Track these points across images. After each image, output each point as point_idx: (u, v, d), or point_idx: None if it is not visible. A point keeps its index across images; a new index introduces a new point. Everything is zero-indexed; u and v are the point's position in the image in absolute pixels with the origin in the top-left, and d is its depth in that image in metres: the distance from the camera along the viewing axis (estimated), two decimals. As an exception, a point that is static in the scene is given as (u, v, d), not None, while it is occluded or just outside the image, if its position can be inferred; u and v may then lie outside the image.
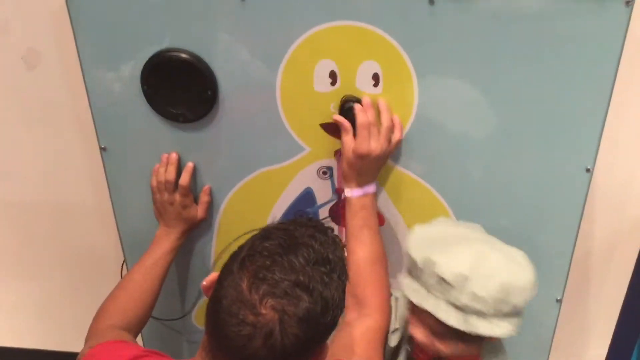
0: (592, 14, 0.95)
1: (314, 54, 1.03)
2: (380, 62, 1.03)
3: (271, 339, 0.72)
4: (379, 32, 1.00)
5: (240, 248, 0.79)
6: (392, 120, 1.06)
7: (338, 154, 1.13)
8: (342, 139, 1.07)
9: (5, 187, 1.43)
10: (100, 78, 1.10)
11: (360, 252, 1.10)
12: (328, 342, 0.82)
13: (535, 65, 1.00)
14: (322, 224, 0.83)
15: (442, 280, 0.93)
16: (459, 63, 1.01)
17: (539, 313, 1.26)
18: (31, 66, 1.31)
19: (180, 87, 1.07)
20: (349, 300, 1.09)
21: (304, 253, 0.76)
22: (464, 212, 1.16)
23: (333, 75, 1.05)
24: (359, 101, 1.05)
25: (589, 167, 1.08)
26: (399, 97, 1.05)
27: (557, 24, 0.97)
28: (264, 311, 0.72)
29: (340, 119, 1.06)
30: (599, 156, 1.28)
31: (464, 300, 0.92)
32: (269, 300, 0.72)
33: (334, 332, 0.83)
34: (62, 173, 1.43)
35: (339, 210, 1.19)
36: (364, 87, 1.05)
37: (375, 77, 1.04)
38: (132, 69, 1.07)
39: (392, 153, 1.10)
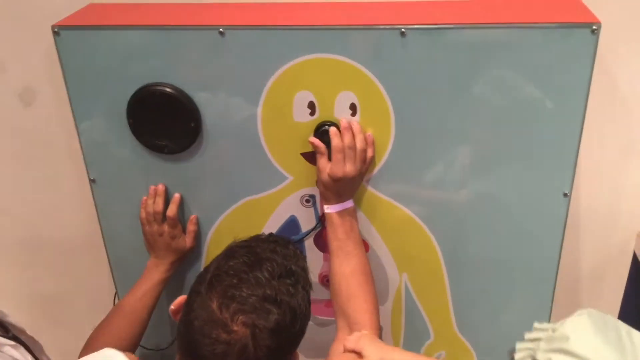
0: (560, 42, 0.98)
1: (292, 86, 1.06)
2: (356, 92, 1.06)
3: (245, 353, 0.75)
4: (354, 64, 1.03)
5: (206, 269, 0.83)
6: (365, 141, 1.08)
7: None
8: (317, 162, 1.09)
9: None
10: (88, 113, 1.14)
11: (347, 265, 1.11)
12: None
13: (507, 93, 1.03)
14: (282, 238, 0.88)
15: None
16: (432, 92, 1.04)
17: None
18: (27, 103, 1.36)
19: (164, 120, 1.10)
20: (340, 322, 1.10)
21: (268, 267, 0.80)
22: (445, 238, 1.17)
23: (312, 106, 1.08)
24: (334, 124, 1.08)
25: (566, 191, 1.10)
26: (376, 126, 1.08)
27: (527, 53, 1.00)
28: (235, 328, 0.75)
29: (315, 141, 1.08)
30: (581, 183, 1.31)
31: None
32: (240, 317, 0.75)
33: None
34: (55, 205, 1.46)
35: (323, 238, 1.21)
36: (342, 116, 1.08)
37: (353, 107, 1.07)
38: (118, 103, 1.11)
39: (367, 170, 1.12)
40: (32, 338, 1.08)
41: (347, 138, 1.06)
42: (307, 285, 0.85)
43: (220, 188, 1.19)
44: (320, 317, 1.30)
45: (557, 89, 1.02)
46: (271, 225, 1.21)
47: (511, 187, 1.11)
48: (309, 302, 0.85)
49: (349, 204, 1.12)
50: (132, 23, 1.07)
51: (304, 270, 0.86)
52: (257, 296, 0.77)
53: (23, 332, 1.06)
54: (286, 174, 1.15)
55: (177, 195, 1.19)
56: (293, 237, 1.22)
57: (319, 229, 1.21)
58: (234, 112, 1.10)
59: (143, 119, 1.11)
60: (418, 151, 1.10)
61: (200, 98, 1.09)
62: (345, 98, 1.07)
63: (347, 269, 1.11)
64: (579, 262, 1.40)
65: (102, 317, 1.20)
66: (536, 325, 0.78)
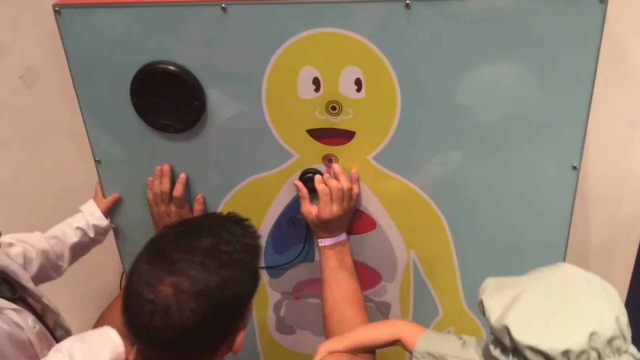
0: (567, 12, 0.96)
1: (296, 62, 1.05)
2: (361, 67, 1.04)
3: (168, 314, 0.75)
4: (359, 38, 1.02)
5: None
6: (349, 181, 1.13)
7: (326, 159, 1.14)
8: (301, 206, 1.16)
9: (3, 202, 1.47)
10: (92, 93, 1.13)
11: (338, 292, 1.14)
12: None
13: (514, 65, 1.01)
14: (237, 216, 0.89)
15: None
16: (438, 65, 1.03)
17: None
18: (29, 85, 1.35)
19: (168, 99, 1.09)
20: None
21: (208, 237, 0.81)
22: (453, 214, 1.17)
23: (316, 82, 1.07)
24: (318, 172, 1.15)
25: (575, 164, 1.09)
26: (381, 100, 1.07)
27: (534, 24, 0.98)
28: (161, 288, 0.76)
29: (299, 184, 1.15)
30: (590, 156, 1.30)
31: None
32: (167, 278, 0.76)
33: None
34: (60, 187, 1.46)
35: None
36: (346, 92, 1.07)
37: (358, 82, 1.06)
38: (121, 82, 1.10)
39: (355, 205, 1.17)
40: (47, 306, 1.09)
41: (332, 182, 1.13)
42: (252, 260, 0.84)
43: (226, 167, 1.18)
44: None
45: (565, 60, 1.00)
46: (278, 204, 1.21)
47: (519, 161, 1.10)
48: (252, 278, 0.85)
49: (342, 237, 1.17)
50: (133, 1, 1.05)
51: (252, 247, 0.85)
52: (187, 260, 0.78)
53: (39, 299, 1.07)
54: (292, 152, 1.14)
55: (183, 175, 1.19)
56: (299, 215, 1.21)
57: (325, 207, 1.20)
58: (238, 90, 1.09)
59: (147, 98, 1.10)
60: (424, 126, 1.09)
61: (204, 76, 1.08)
62: (350, 73, 1.05)
63: (338, 295, 1.14)
64: (588, 235, 1.39)
65: (110, 297, 1.20)
66: None
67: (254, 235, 0.87)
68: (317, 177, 1.14)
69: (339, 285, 1.14)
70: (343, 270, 1.16)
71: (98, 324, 1.14)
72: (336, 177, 1.14)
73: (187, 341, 0.78)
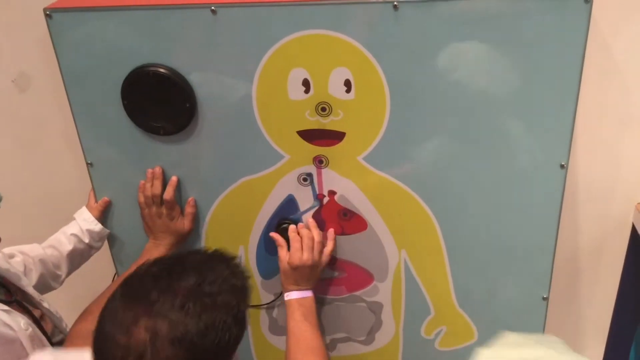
0: (553, 12, 0.97)
1: (286, 63, 1.06)
2: (350, 68, 1.05)
3: None
4: (348, 39, 1.03)
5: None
6: (320, 235, 1.18)
7: (317, 160, 1.15)
8: (278, 253, 1.20)
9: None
10: (83, 96, 1.14)
11: (303, 343, 1.14)
12: None
13: (501, 65, 1.02)
14: (224, 253, 0.82)
15: None
16: (426, 66, 1.03)
17: (525, 312, 1.26)
18: (22, 89, 1.36)
19: (159, 101, 1.10)
20: None
21: (190, 278, 0.74)
22: (443, 214, 1.17)
23: (306, 83, 1.08)
24: (294, 222, 1.21)
25: (563, 163, 1.10)
26: (371, 101, 1.08)
27: (520, 24, 0.99)
28: (135, 331, 0.69)
29: (275, 235, 1.20)
30: (579, 156, 1.31)
31: None
32: (142, 320, 0.70)
33: None
34: (53, 190, 1.46)
35: (321, 216, 1.21)
36: (336, 93, 1.08)
37: (347, 83, 1.07)
38: (113, 85, 1.11)
39: (326, 263, 1.20)
40: (48, 310, 1.09)
41: (305, 231, 1.18)
42: (238, 304, 0.77)
43: (217, 169, 1.19)
44: (320, 295, 1.31)
45: (551, 59, 1.01)
46: (269, 205, 1.22)
47: (507, 160, 1.11)
48: (238, 323, 0.77)
49: (308, 293, 1.19)
50: (123, 4, 1.06)
51: (239, 289, 0.78)
52: (166, 302, 0.71)
53: (39, 304, 1.08)
54: (282, 153, 1.15)
55: (174, 178, 1.19)
56: (291, 216, 1.22)
57: (316, 207, 1.21)
58: (228, 92, 1.10)
59: (138, 101, 1.11)
60: (413, 126, 1.10)
61: (195, 78, 1.09)
62: (339, 74, 1.06)
63: (304, 346, 1.14)
64: (577, 235, 1.40)
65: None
66: None
67: (241, 275, 0.80)
68: (291, 227, 1.19)
69: (305, 338, 1.14)
70: (309, 324, 1.16)
71: (82, 317, 1.13)
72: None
73: None
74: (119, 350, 0.69)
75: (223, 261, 0.80)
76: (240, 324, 0.78)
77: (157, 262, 0.78)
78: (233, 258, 0.82)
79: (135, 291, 0.74)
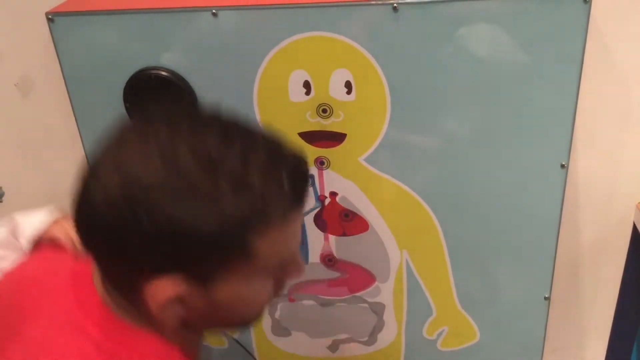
0: (552, 12, 0.98)
1: (287, 66, 1.07)
2: (351, 70, 1.06)
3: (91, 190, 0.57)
4: (348, 41, 1.03)
5: None
6: None
7: (318, 161, 1.16)
8: None
9: (2, 210, 1.48)
10: (85, 99, 1.14)
11: None
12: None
13: (501, 65, 1.03)
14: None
15: None
16: (427, 66, 1.04)
17: (527, 312, 1.26)
18: (24, 93, 1.36)
19: (161, 104, 1.11)
20: None
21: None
22: (443, 214, 1.18)
23: (307, 85, 1.08)
24: None
25: (563, 162, 1.10)
26: (371, 102, 1.08)
27: (519, 24, 0.99)
28: (103, 168, 0.58)
29: None
30: (580, 156, 1.31)
31: None
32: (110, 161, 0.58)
33: None
34: (56, 192, 1.47)
35: (323, 217, 1.22)
36: (337, 94, 1.08)
37: (348, 85, 1.07)
38: (115, 88, 1.11)
39: None
40: None
41: None
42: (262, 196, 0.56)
43: (219, 171, 1.19)
44: (322, 296, 1.31)
45: (551, 59, 1.01)
46: (271, 207, 1.22)
47: (508, 161, 1.11)
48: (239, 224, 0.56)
49: None
50: (126, 7, 1.07)
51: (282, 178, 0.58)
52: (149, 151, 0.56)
53: None
54: (284, 155, 1.16)
55: None
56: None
57: (318, 209, 1.21)
58: (229, 94, 1.10)
59: (140, 103, 1.12)
60: (414, 127, 1.10)
61: (196, 80, 1.09)
62: (340, 76, 1.07)
63: None
64: (578, 235, 1.40)
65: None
66: None
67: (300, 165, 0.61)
68: None
69: None
70: None
71: None
72: None
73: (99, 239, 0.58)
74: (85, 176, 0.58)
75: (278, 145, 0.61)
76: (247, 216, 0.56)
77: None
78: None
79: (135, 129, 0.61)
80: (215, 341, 1.40)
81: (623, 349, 1.54)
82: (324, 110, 1.10)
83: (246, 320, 0.69)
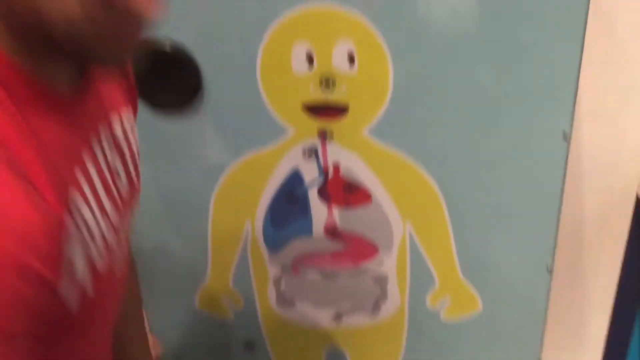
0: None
1: (290, 37, 1.07)
2: (354, 42, 1.06)
3: None
4: (351, 12, 1.03)
5: None
6: None
7: (321, 133, 1.16)
8: None
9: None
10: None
11: None
12: None
13: (503, 35, 1.03)
14: None
15: None
16: (430, 38, 1.04)
17: (529, 282, 1.28)
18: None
19: (163, 77, 1.11)
20: None
21: None
22: (446, 184, 1.19)
23: (310, 57, 1.08)
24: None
25: (565, 129, 1.10)
26: (374, 74, 1.08)
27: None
28: None
29: None
30: (583, 125, 1.31)
31: None
32: None
33: None
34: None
35: (326, 189, 1.23)
36: (340, 66, 1.08)
37: (351, 57, 1.08)
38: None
39: None
40: None
41: None
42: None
43: (222, 145, 1.20)
44: (326, 268, 1.32)
45: (553, 26, 1.02)
46: (275, 179, 1.23)
47: (510, 130, 1.11)
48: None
49: None
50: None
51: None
52: None
53: None
54: (287, 127, 1.16)
55: None
56: (297, 190, 1.23)
57: (321, 181, 1.22)
58: (232, 66, 1.11)
59: (141, 77, 1.12)
60: (416, 98, 1.10)
61: (199, 53, 1.10)
62: (343, 48, 1.07)
63: None
64: (582, 206, 1.41)
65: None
66: None
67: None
68: None
69: None
70: None
71: None
72: None
73: None
74: None
75: None
76: None
77: None
78: None
79: None
80: (220, 312, 1.42)
81: (626, 320, 1.55)
82: (327, 82, 1.10)
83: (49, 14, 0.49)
